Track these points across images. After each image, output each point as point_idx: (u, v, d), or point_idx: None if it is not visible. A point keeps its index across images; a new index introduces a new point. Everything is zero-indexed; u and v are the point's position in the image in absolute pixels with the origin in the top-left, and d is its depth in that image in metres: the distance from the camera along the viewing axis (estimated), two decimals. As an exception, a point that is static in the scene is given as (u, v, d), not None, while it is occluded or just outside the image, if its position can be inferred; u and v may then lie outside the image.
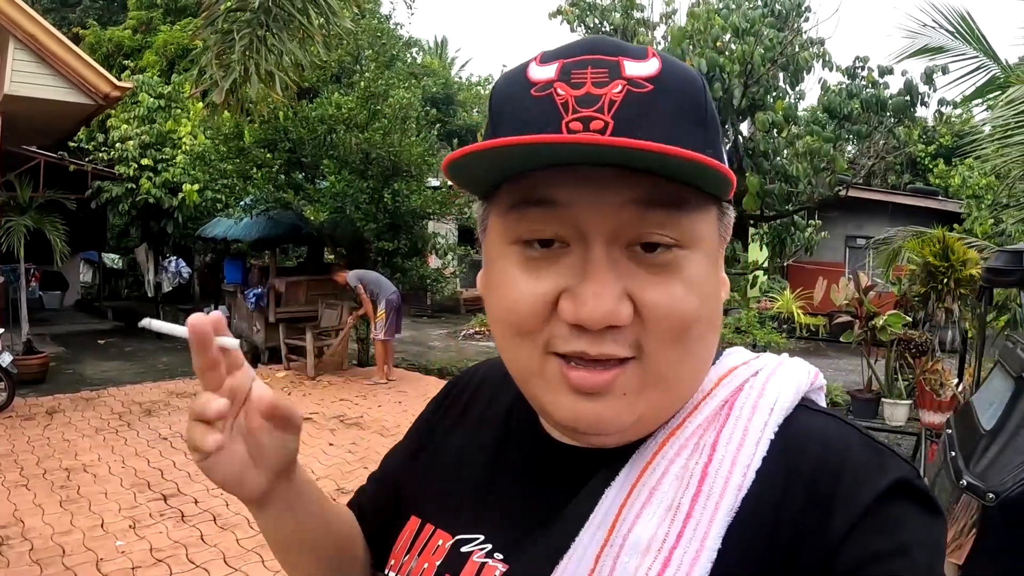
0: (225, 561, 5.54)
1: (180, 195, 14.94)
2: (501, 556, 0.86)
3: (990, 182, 19.25)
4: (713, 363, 0.87)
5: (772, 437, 0.78)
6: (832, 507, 0.74)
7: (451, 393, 1.16)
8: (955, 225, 11.24)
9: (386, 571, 0.98)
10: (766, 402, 0.81)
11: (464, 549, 0.89)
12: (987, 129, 8.97)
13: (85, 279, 22.11)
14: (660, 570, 0.73)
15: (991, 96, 8.78)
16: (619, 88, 0.73)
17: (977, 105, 9.54)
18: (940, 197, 19.55)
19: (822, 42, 9.99)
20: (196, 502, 6.67)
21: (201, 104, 15.72)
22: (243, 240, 13.80)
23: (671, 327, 0.74)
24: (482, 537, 0.89)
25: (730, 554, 0.73)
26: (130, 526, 6.17)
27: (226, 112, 10.35)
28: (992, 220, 17.61)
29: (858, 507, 0.73)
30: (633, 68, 0.74)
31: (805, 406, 0.84)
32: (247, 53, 6.29)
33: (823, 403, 0.90)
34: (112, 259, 21.33)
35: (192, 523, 6.22)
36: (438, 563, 0.90)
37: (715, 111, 0.79)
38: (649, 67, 0.75)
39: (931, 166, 23.18)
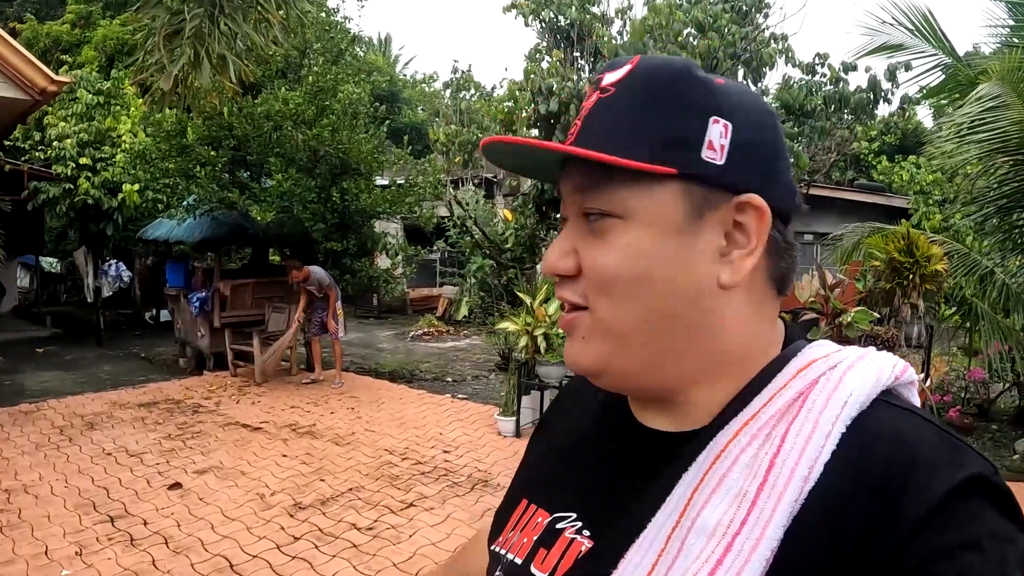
0: (179, 589, 5.23)
1: (120, 196, 14.42)
2: (589, 533, 0.93)
3: (936, 178, 19.46)
4: (796, 354, 0.91)
5: (843, 430, 0.80)
6: (901, 502, 0.74)
7: (566, 390, 1.27)
8: (903, 220, 11.24)
9: (493, 547, 1.07)
10: (840, 395, 0.83)
11: (559, 526, 0.97)
12: (942, 127, 8.95)
13: (23, 284, 21.50)
14: (722, 554, 0.77)
15: (955, 94, 8.72)
16: (594, 98, 0.91)
17: (940, 102, 9.48)
18: (886, 193, 19.69)
19: (785, 37, 9.93)
20: (145, 523, 6.34)
21: (142, 100, 15.31)
22: (186, 242, 13.36)
23: (595, 279, 0.89)
24: (575, 515, 0.97)
25: (793, 544, 0.76)
26: (76, 552, 5.83)
27: (168, 109, 10.05)
28: (940, 216, 17.79)
29: (928, 503, 0.73)
30: (608, 78, 0.91)
31: (883, 400, 0.84)
32: (198, 35, 5.91)
33: (915, 398, 0.90)
34: (50, 263, 20.82)
35: (142, 547, 5.89)
36: (535, 538, 0.99)
37: (682, 89, 0.87)
38: (619, 73, 0.90)
39: (875, 163, 23.34)
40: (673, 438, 0.92)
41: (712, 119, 0.86)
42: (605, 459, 1.01)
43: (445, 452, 8.20)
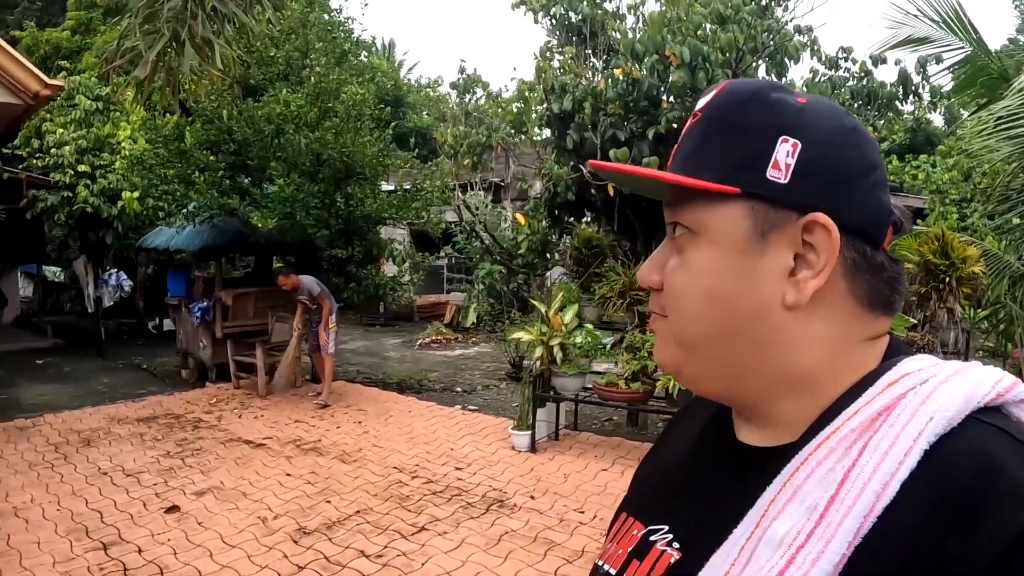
0: (174, 628, 4.87)
1: (119, 203, 14.14)
2: (679, 545, 0.94)
3: (953, 177, 19.12)
4: (890, 369, 0.87)
5: (926, 447, 0.77)
6: (977, 532, 0.71)
7: (682, 407, 1.24)
8: (918, 220, 10.92)
9: (597, 560, 1.08)
10: (926, 410, 0.79)
11: (652, 538, 0.98)
12: (966, 124, 8.62)
13: (26, 294, 21.24)
14: (784, 566, 0.77)
15: (982, 88, 8.37)
16: (688, 124, 0.96)
17: (967, 98, 9.12)
18: (901, 193, 19.38)
19: (811, 30, 9.61)
20: (140, 551, 5.99)
21: (141, 108, 15.04)
22: (186, 250, 13.07)
23: (668, 293, 0.94)
24: (667, 527, 0.97)
25: (859, 562, 0.74)
26: None
27: (167, 113, 9.71)
28: (957, 215, 17.45)
29: (1006, 535, 0.70)
30: (699, 103, 0.95)
31: (977, 418, 0.79)
32: (179, 16, 5.46)
33: None
34: (53, 272, 20.59)
35: None
36: (629, 549, 1.00)
37: (753, 109, 0.89)
38: (706, 99, 0.94)
39: (887, 162, 23.00)
40: (762, 453, 0.93)
41: (781, 138, 0.87)
42: (700, 473, 1.02)
43: (457, 469, 7.80)
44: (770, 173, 0.86)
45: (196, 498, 7.15)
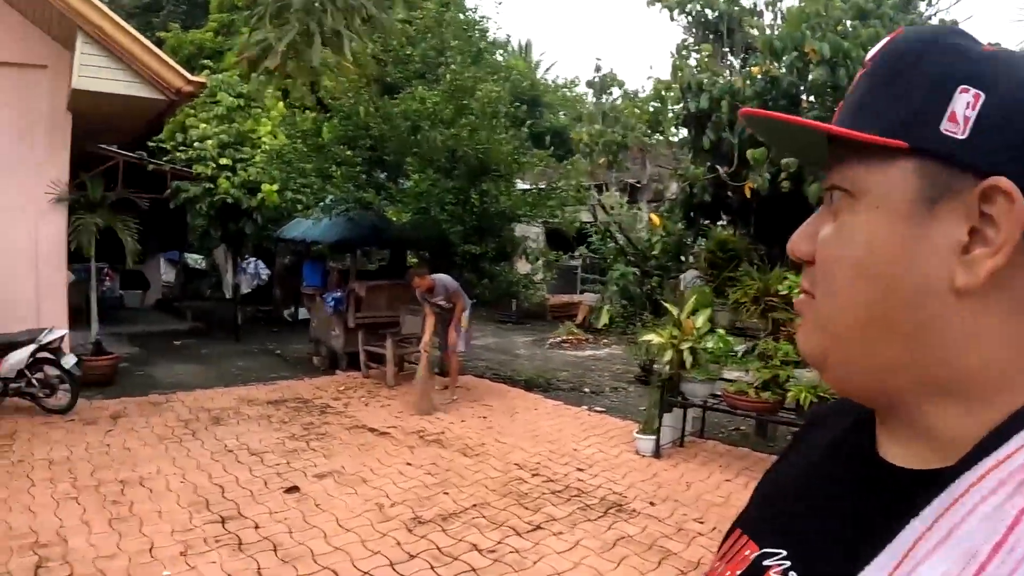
0: (281, 603, 4.84)
1: (259, 195, 14.51)
2: (796, 575, 0.81)
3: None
4: None
5: None
6: None
7: (809, 417, 1.12)
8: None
9: None
10: None
11: (766, 563, 0.85)
12: None
13: (167, 279, 21.98)
14: None
15: None
16: (858, 74, 0.84)
17: None
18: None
19: (956, 23, 9.12)
20: (257, 527, 6.07)
21: (282, 104, 15.42)
22: (323, 241, 13.32)
23: (820, 267, 0.81)
24: (784, 553, 0.84)
25: None
26: (181, 552, 5.61)
27: (305, 109, 9.85)
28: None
29: None
30: (869, 54, 0.83)
31: None
32: (309, 8, 5.44)
33: None
34: (195, 260, 21.26)
35: (250, 552, 5.61)
36: (738, 573, 0.88)
37: (926, 57, 0.76)
38: (877, 48, 0.82)
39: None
40: (910, 476, 0.77)
41: (960, 88, 0.72)
42: (830, 494, 0.87)
43: (579, 470, 7.65)
44: (945, 127, 0.72)
45: (316, 480, 7.21)
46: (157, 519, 6.19)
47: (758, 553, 0.87)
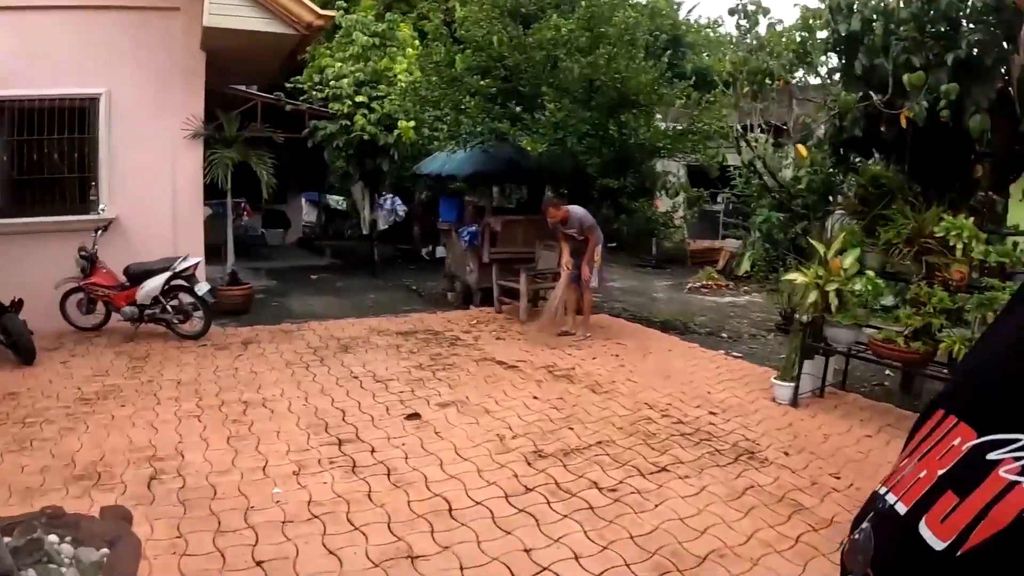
0: (388, 527, 4.70)
1: (395, 132, 14.39)
2: None
3: None
4: None
5: None
6: None
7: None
8: None
9: (880, 487, 0.78)
10: None
11: (991, 456, 0.64)
12: None
13: (309, 219, 22.33)
14: None
15: None
16: None
17: None
18: None
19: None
20: (373, 451, 5.98)
21: (416, 41, 15.29)
22: (458, 175, 13.14)
23: None
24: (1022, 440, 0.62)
25: None
26: (294, 472, 5.56)
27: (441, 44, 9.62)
28: None
29: None
30: None
31: None
32: None
33: None
34: (336, 201, 21.44)
35: (362, 475, 5.51)
36: (941, 472, 0.68)
37: None
38: None
39: None
40: None
41: None
42: None
43: (711, 414, 7.21)
44: None
45: (439, 409, 7.08)
46: (274, 439, 6.18)
47: (976, 441, 0.68)
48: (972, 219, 6.79)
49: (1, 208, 10.01)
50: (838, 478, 5.63)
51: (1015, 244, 7.54)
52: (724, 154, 13.29)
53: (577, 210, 10.12)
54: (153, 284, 9.32)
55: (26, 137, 10.00)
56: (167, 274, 9.35)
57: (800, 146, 9.81)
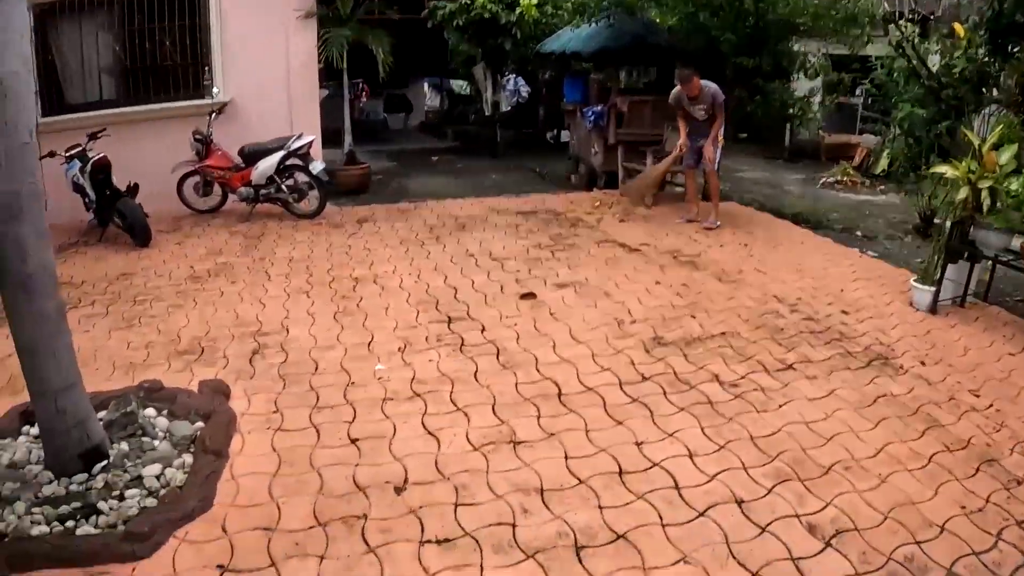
0: (492, 409, 4.44)
1: (518, 10, 13.90)
2: None
3: None
4: None
5: None
6: None
7: None
8: None
9: None
10: None
11: None
12: None
13: (432, 104, 22.14)
14: None
15: None
16: None
17: None
18: None
19: None
20: (483, 330, 5.74)
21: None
22: (583, 52, 12.58)
23: None
24: None
25: None
26: (399, 348, 5.37)
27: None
28: None
29: None
30: None
31: None
32: None
33: None
34: (460, 86, 21.17)
35: (470, 354, 5.26)
36: None
37: None
38: None
39: None
40: None
41: None
42: None
43: (843, 313, 6.65)
44: None
45: (556, 289, 6.81)
46: (382, 315, 6.02)
47: None
48: None
49: (117, 97, 9.98)
50: (977, 396, 5.06)
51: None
52: (869, 36, 12.39)
53: (710, 85, 9.39)
54: (268, 163, 9.23)
55: (138, 27, 9.87)
56: (281, 153, 9.24)
57: (957, 24, 8.95)
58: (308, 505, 3.47)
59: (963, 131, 7.52)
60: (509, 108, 17.02)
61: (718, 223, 9.64)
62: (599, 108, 11.84)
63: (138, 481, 3.55)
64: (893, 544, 3.35)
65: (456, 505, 3.51)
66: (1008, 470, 4.02)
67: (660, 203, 10.72)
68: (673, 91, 9.56)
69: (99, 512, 3.32)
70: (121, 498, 3.42)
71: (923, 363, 5.56)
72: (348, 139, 11.98)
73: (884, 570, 3.18)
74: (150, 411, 4.20)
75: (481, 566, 3.11)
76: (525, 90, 17.23)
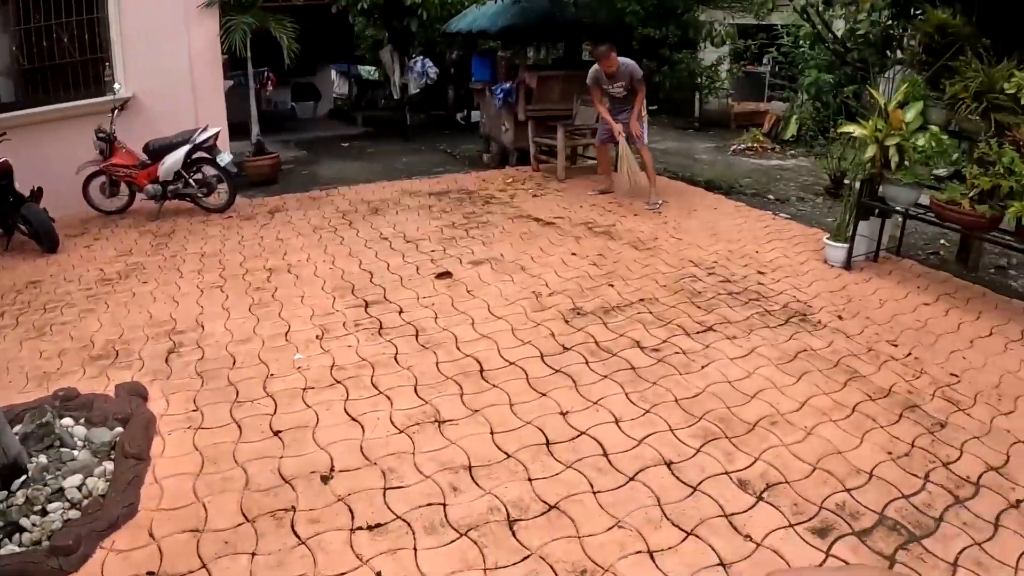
0: (415, 390, 4.43)
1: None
2: None
3: None
4: None
5: None
6: None
7: None
8: None
9: None
10: None
11: None
12: None
13: (341, 91, 21.84)
14: None
15: None
16: None
17: None
18: None
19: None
20: (401, 312, 5.72)
21: None
22: (489, 31, 12.48)
23: None
24: None
25: None
26: (317, 336, 5.33)
27: None
28: None
29: None
30: None
31: None
32: None
33: None
34: (368, 71, 20.90)
35: (389, 337, 5.25)
36: None
37: None
38: None
39: None
40: None
41: None
42: None
43: (759, 273, 6.77)
44: None
45: (472, 267, 6.81)
46: (298, 304, 5.96)
47: None
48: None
49: (15, 100, 9.62)
50: (895, 345, 5.20)
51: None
52: (774, 3, 12.55)
53: (628, 62, 9.28)
54: (174, 158, 9.00)
55: (34, 25, 9.52)
56: (187, 147, 9.02)
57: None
58: (235, 502, 3.43)
59: (870, 91, 7.63)
60: (418, 91, 16.81)
61: (660, 202, 9.39)
62: (508, 85, 11.79)
63: (60, 494, 3.45)
64: (824, 493, 3.44)
65: (385, 489, 3.50)
66: (930, 414, 4.17)
67: (573, 176, 10.76)
68: (591, 70, 9.42)
69: (22, 529, 3.24)
70: (43, 513, 3.33)
71: (840, 317, 5.69)
72: (256, 129, 11.74)
73: (817, 519, 3.28)
74: (67, 420, 4.08)
75: (415, 548, 3.11)
76: (433, 71, 17.05)
